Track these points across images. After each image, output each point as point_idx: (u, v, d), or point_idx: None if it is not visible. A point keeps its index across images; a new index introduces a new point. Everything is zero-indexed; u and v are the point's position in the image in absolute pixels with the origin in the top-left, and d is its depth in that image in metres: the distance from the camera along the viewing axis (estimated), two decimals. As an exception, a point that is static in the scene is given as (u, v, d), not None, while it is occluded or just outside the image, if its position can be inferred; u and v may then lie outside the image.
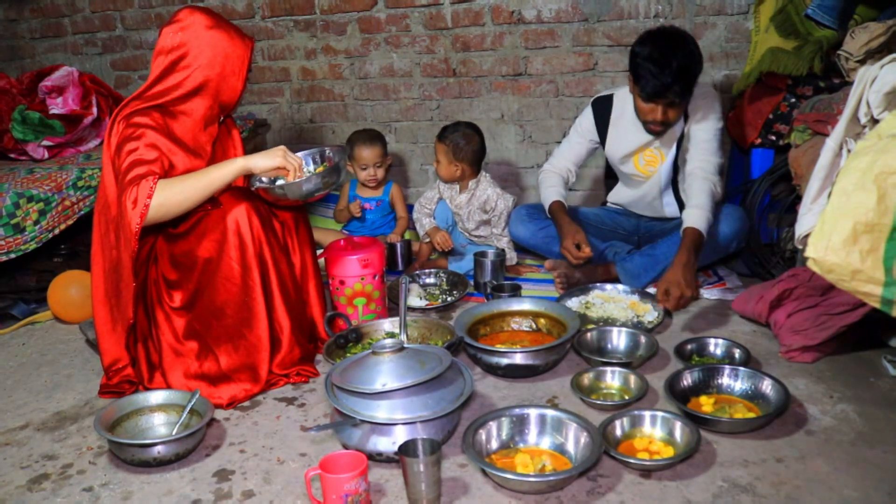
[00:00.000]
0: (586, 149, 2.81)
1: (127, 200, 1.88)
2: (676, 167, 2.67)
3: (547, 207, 2.73)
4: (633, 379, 1.95)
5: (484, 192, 2.96)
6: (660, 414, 1.73)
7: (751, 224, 2.67)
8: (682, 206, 2.76)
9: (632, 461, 1.60)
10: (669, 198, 2.75)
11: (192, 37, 2.03)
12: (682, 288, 2.16)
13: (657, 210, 2.81)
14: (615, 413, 1.76)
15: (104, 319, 2.08)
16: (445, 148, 2.92)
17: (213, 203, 2.04)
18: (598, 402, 1.88)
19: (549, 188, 2.75)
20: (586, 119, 2.76)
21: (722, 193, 2.47)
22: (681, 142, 2.61)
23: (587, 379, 1.98)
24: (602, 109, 2.72)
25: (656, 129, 2.52)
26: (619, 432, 1.71)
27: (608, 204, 3.00)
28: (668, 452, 1.65)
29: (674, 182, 2.72)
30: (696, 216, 2.32)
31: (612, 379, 1.99)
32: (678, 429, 1.70)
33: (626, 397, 1.91)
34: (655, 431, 1.72)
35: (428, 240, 3.04)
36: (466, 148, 2.91)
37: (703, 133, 2.51)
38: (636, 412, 1.75)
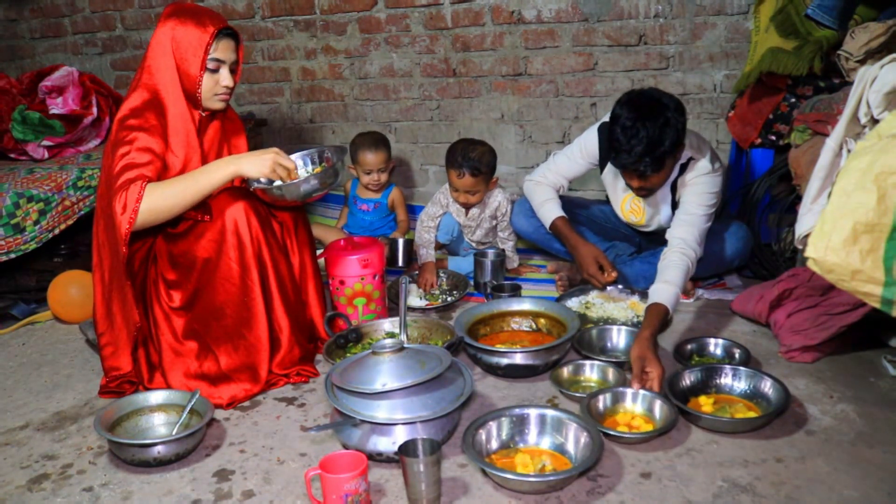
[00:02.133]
0: (585, 168, 2.68)
1: (117, 205, 1.87)
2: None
3: (548, 224, 2.63)
4: (611, 372, 2.00)
5: (496, 199, 2.88)
6: (640, 391, 1.83)
7: (753, 239, 2.66)
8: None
9: (612, 433, 1.70)
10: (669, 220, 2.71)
11: (157, 29, 2.04)
12: (653, 365, 1.90)
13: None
14: (599, 389, 1.87)
15: (104, 322, 2.08)
16: (471, 180, 2.72)
17: (205, 210, 2.03)
18: (578, 394, 1.90)
19: (547, 202, 2.64)
20: (591, 142, 2.60)
21: (700, 256, 2.31)
22: (674, 208, 2.51)
23: (566, 373, 2.02)
24: (605, 138, 2.56)
25: (641, 195, 2.44)
26: (601, 407, 1.82)
27: None
28: (649, 428, 1.74)
29: (673, 212, 2.59)
30: (666, 293, 2.14)
31: (591, 372, 2.03)
32: (658, 406, 1.79)
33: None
34: (636, 408, 1.82)
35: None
36: (486, 169, 2.75)
37: (693, 207, 2.36)
38: (619, 389, 1.86)
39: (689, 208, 2.36)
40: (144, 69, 2.04)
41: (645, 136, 2.15)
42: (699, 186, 2.37)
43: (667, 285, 2.16)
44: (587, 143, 2.62)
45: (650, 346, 1.95)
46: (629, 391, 1.85)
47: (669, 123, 2.18)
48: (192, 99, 2.06)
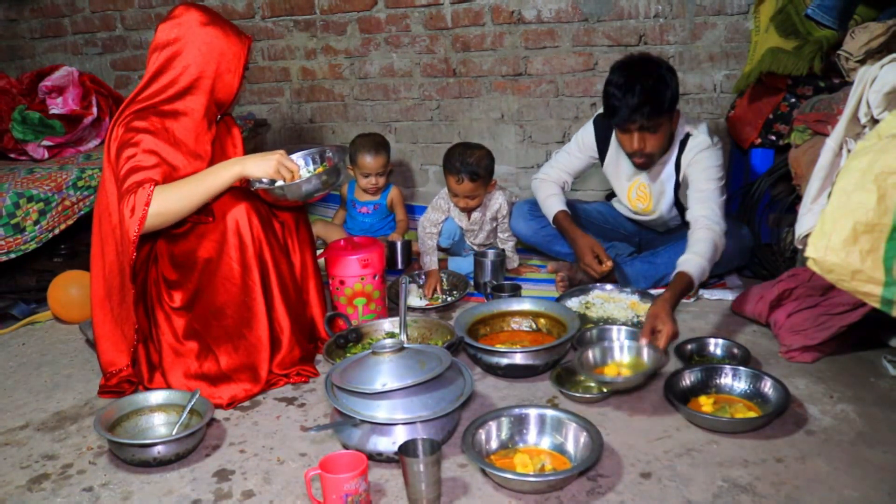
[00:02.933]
0: (585, 163, 2.75)
1: (125, 208, 1.88)
2: (679, 207, 2.61)
3: (551, 218, 2.68)
4: None
5: (496, 201, 2.88)
6: (626, 343, 1.99)
7: (754, 239, 2.67)
8: (684, 218, 2.72)
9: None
10: (675, 220, 2.72)
11: (187, 33, 2.02)
12: (666, 323, 1.99)
13: (660, 227, 2.80)
14: (589, 346, 1.99)
15: (102, 323, 2.07)
16: (470, 185, 2.71)
17: (208, 212, 2.03)
18: (577, 394, 1.91)
19: (550, 197, 2.69)
20: (588, 135, 2.69)
21: (723, 242, 2.34)
22: (676, 191, 2.55)
23: (565, 373, 2.02)
24: (603, 128, 2.65)
25: (639, 162, 2.45)
26: (592, 361, 1.96)
27: (612, 201, 2.98)
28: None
29: (676, 197, 2.65)
30: (692, 263, 2.19)
31: None
32: (645, 353, 1.94)
33: (605, 390, 1.93)
34: (624, 357, 1.96)
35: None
36: (485, 173, 2.74)
37: (704, 183, 2.40)
38: (606, 344, 2.00)
39: (700, 185, 2.40)
40: (169, 68, 2.02)
41: (640, 89, 2.24)
42: (703, 162, 2.41)
43: (694, 256, 2.22)
44: (584, 137, 2.69)
45: (667, 306, 2.03)
46: (616, 345, 1.97)
47: (664, 79, 2.27)
48: (220, 105, 2.10)
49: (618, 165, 2.64)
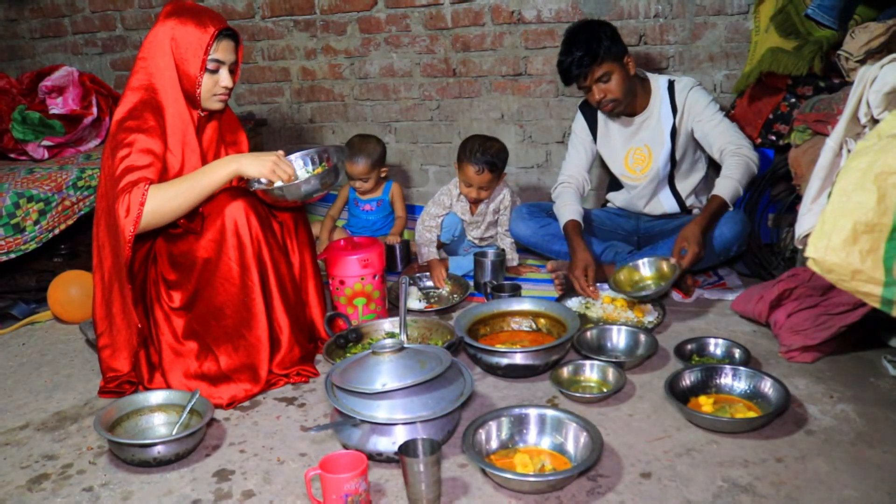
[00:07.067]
0: (590, 152, 2.84)
1: (119, 208, 1.87)
2: (673, 162, 2.69)
3: (562, 225, 2.70)
4: (610, 372, 2.01)
5: (500, 191, 2.91)
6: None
7: (751, 225, 2.67)
8: (680, 202, 2.78)
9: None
10: (667, 194, 2.77)
11: (155, 27, 2.04)
12: (693, 244, 2.36)
13: (655, 208, 2.82)
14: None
15: (104, 322, 2.07)
16: (489, 176, 2.77)
17: (199, 222, 2.02)
18: (577, 394, 1.92)
19: (565, 206, 2.72)
20: (579, 123, 2.84)
21: (755, 157, 2.54)
22: (674, 138, 2.64)
23: (566, 373, 2.03)
24: (589, 110, 2.80)
25: (609, 109, 2.62)
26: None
27: (608, 205, 3.01)
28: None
29: (670, 178, 2.74)
30: (722, 185, 2.49)
31: (591, 372, 2.04)
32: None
33: (605, 390, 1.95)
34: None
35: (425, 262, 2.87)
36: (501, 165, 2.79)
37: (711, 116, 2.60)
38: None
39: (708, 118, 2.61)
40: (141, 68, 2.03)
41: (575, 48, 2.50)
42: (701, 98, 2.63)
43: (725, 179, 2.51)
44: (577, 125, 2.85)
45: (696, 228, 2.38)
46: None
47: (595, 34, 2.50)
48: (191, 99, 2.06)
49: (609, 138, 2.78)
